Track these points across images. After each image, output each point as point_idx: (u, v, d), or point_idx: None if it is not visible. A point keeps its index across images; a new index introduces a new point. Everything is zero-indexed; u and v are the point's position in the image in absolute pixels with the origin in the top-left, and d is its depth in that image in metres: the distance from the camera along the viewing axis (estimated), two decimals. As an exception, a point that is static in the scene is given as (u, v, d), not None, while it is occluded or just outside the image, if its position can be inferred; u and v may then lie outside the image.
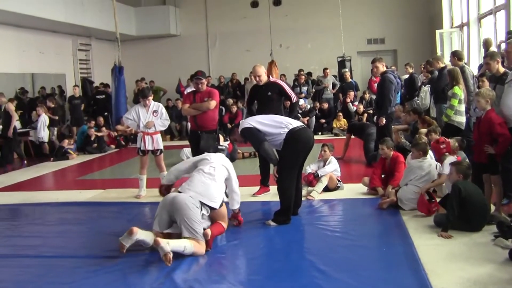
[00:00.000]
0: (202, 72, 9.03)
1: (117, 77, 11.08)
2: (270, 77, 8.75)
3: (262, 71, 8.44)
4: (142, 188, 9.23)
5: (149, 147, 9.14)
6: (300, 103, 18.19)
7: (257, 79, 8.53)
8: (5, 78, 17.81)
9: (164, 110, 9.28)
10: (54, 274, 5.69)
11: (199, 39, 23.74)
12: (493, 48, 10.99)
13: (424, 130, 9.79)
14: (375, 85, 15.39)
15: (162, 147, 9.29)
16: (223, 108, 17.52)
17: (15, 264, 6.10)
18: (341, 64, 19.85)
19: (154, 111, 9.13)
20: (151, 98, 9.19)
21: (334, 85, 19.28)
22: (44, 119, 16.08)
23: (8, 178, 12.25)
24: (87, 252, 6.32)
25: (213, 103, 8.65)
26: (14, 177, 12.41)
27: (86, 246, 6.56)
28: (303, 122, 17.62)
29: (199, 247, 5.82)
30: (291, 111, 8.69)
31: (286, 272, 5.37)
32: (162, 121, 9.18)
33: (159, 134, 9.32)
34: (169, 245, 5.50)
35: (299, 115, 17.90)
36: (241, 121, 7.16)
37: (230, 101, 18.61)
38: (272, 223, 7.01)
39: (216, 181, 6.38)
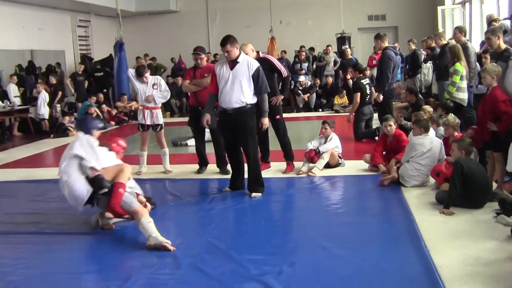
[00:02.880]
0: (201, 47, 8.97)
1: (118, 54, 11.01)
2: (260, 53, 8.67)
3: (249, 49, 8.33)
4: (143, 164, 9.22)
5: (148, 121, 9.09)
6: (300, 80, 18.15)
7: None
8: (4, 55, 17.75)
9: (163, 82, 9.20)
10: (55, 250, 5.71)
11: (199, 15, 23.56)
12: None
13: (428, 107, 9.75)
14: (373, 61, 15.37)
15: (162, 123, 9.22)
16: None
17: (16, 241, 6.13)
18: (341, 40, 19.73)
19: (154, 84, 9.07)
20: (147, 75, 9.12)
21: (335, 62, 19.18)
22: (44, 96, 16.07)
23: (8, 155, 12.26)
24: (87, 229, 6.35)
25: (213, 79, 8.60)
26: (14, 154, 12.40)
27: (86, 222, 6.56)
28: (304, 99, 17.67)
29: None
30: (283, 86, 8.65)
31: (287, 249, 5.40)
32: (162, 92, 9.09)
33: (159, 109, 9.26)
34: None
35: (300, 91, 17.86)
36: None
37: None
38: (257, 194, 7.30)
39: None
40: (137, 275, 4.90)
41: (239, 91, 7.12)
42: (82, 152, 6.06)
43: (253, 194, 7.24)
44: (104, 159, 6.24)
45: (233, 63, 7.19)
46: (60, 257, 5.52)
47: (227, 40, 7.18)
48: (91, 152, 6.10)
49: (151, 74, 9.26)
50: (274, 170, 8.66)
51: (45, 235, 6.21)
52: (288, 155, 8.66)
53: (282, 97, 8.52)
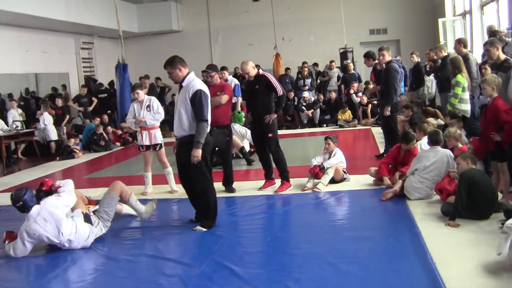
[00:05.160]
0: (212, 65, 9.01)
1: (121, 75, 11.05)
2: (260, 70, 8.69)
3: (249, 67, 8.39)
4: (148, 185, 9.23)
5: (146, 142, 9.12)
6: (304, 95, 18.18)
7: (246, 76, 8.55)
8: (9, 79, 17.86)
9: (156, 104, 9.18)
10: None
11: (201, 34, 23.71)
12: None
13: (431, 119, 9.79)
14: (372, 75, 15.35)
15: (161, 142, 9.22)
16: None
17: (17, 264, 6.19)
18: (343, 55, 19.79)
19: (147, 106, 9.10)
20: (139, 91, 9.15)
21: (338, 78, 19.22)
22: (47, 118, 16.15)
23: (14, 178, 12.30)
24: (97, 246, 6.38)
25: (225, 97, 8.61)
26: (21, 177, 12.44)
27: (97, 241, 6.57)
28: (308, 115, 17.70)
29: None
30: (277, 105, 8.52)
31: (294, 265, 5.39)
32: (154, 115, 9.05)
33: (158, 129, 9.26)
34: None
35: (304, 107, 17.89)
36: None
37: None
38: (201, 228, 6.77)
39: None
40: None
41: (180, 118, 6.57)
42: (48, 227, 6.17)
43: (196, 228, 6.76)
44: (61, 208, 6.31)
45: (180, 87, 6.71)
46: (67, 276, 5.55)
47: (167, 62, 6.72)
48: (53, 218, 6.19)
49: (155, 95, 9.28)
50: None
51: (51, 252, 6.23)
52: (282, 174, 8.59)
53: (276, 115, 8.47)
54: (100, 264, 5.98)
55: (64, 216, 6.20)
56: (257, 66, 8.64)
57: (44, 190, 6.56)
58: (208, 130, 6.60)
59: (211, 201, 6.76)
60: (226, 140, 8.58)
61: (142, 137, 9.15)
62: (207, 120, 6.53)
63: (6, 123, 15.87)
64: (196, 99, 6.42)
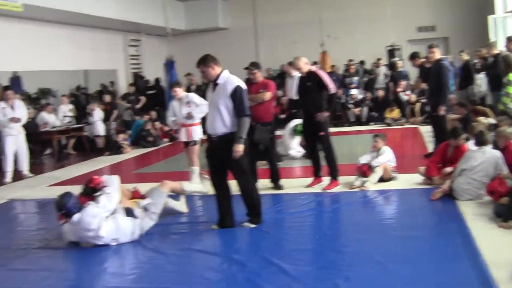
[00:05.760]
0: (254, 62, 9.02)
1: (169, 72, 11.18)
2: (313, 66, 8.65)
3: (301, 63, 8.38)
4: (194, 180, 9.27)
5: (183, 138, 9.24)
6: (351, 93, 18.09)
7: (298, 72, 8.54)
8: (59, 75, 18.19)
9: (196, 98, 9.25)
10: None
11: (247, 32, 23.73)
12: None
13: (482, 118, 9.63)
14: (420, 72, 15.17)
15: (196, 139, 9.30)
16: (274, 100, 17.53)
17: (66, 255, 6.41)
18: (390, 53, 19.61)
19: (187, 102, 9.20)
20: (177, 89, 9.32)
21: (386, 75, 19.05)
22: (98, 113, 16.47)
23: (65, 173, 12.57)
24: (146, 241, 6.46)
25: (268, 95, 8.63)
26: (71, 171, 12.69)
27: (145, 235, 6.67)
28: (355, 113, 17.59)
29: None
30: (329, 103, 8.44)
31: (342, 263, 5.37)
32: (200, 107, 9.10)
33: (198, 126, 9.35)
34: None
35: (351, 105, 17.80)
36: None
37: (280, 93, 18.57)
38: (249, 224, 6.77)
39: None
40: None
41: (220, 115, 6.47)
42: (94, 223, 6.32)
43: (244, 224, 6.75)
44: (107, 206, 6.46)
45: (214, 85, 6.63)
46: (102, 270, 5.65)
47: (200, 61, 6.65)
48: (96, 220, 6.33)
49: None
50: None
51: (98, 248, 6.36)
52: (332, 173, 8.55)
53: (328, 113, 8.40)
54: (149, 258, 6.04)
55: (102, 222, 6.31)
56: (315, 63, 8.58)
57: (91, 186, 6.70)
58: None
59: (255, 197, 6.74)
60: (270, 137, 8.61)
61: (181, 133, 9.31)
62: (249, 115, 6.54)
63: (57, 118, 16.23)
64: (237, 95, 6.41)
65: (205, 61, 6.57)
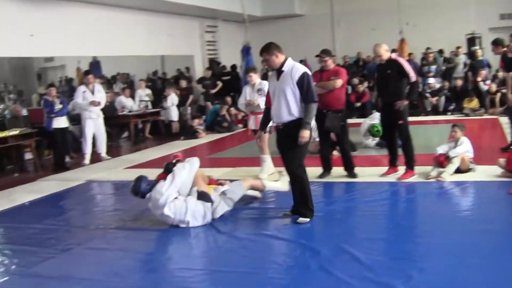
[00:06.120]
0: (325, 50, 8.92)
1: (245, 58, 11.23)
2: (393, 54, 8.50)
3: (382, 50, 8.25)
4: (264, 168, 9.27)
5: (252, 126, 9.25)
6: (429, 82, 17.74)
7: (378, 59, 8.42)
8: (136, 61, 18.59)
9: (267, 85, 9.27)
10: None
11: (323, 18, 23.55)
12: None
13: None
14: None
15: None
16: (349, 87, 17.43)
17: (138, 237, 6.56)
18: (471, 41, 19.09)
19: (258, 90, 9.19)
20: (253, 74, 9.28)
21: (465, 64, 18.59)
22: (173, 98, 16.74)
23: (141, 156, 12.88)
24: (219, 225, 6.55)
25: (339, 82, 8.55)
26: (147, 154, 12.98)
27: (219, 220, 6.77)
28: (432, 102, 17.24)
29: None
30: (410, 90, 8.25)
31: (417, 254, 5.29)
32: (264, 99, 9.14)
33: None
34: None
35: (428, 94, 17.46)
36: None
37: (356, 80, 18.42)
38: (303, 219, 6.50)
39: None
40: (266, 274, 5.00)
41: (286, 103, 6.37)
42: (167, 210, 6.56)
43: (299, 220, 6.50)
44: (177, 185, 6.69)
45: (278, 73, 6.52)
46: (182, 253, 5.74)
47: (263, 49, 6.61)
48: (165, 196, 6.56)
49: None
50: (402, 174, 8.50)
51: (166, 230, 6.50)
52: (408, 163, 8.41)
53: (407, 102, 8.22)
54: (222, 242, 6.15)
55: (168, 201, 6.51)
56: (393, 50, 8.45)
57: (169, 162, 6.96)
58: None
59: (307, 189, 6.51)
60: (341, 125, 8.55)
61: (250, 121, 9.33)
62: (317, 101, 6.48)
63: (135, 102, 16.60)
64: (304, 81, 6.31)
65: (268, 49, 6.49)
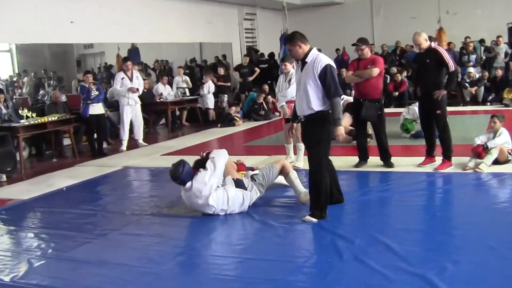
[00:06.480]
0: (362, 38, 8.85)
1: (283, 46, 11.21)
2: (433, 43, 8.39)
3: (422, 39, 8.14)
4: (300, 156, 9.21)
5: (286, 116, 9.21)
6: (469, 71, 17.50)
7: (417, 47, 8.34)
8: (176, 48, 18.69)
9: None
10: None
11: (363, 6, 23.36)
12: None
13: None
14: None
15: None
16: (388, 77, 17.30)
17: (174, 224, 6.64)
18: (512, 31, 18.78)
19: (289, 80, 9.11)
20: (287, 63, 9.17)
21: (506, 54, 18.27)
22: (209, 86, 16.79)
23: (178, 143, 13.00)
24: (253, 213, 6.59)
25: (375, 71, 8.47)
26: (184, 141, 13.08)
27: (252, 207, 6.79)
28: (471, 92, 16.99)
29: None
30: (448, 80, 8.14)
31: (452, 246, 5.25)
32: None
33: None
34: None
35: (467, 84, 17.22)
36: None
37: (394, 69, 18.26)
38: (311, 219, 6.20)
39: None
40: (301, 263, 5.01)
41: (306, 96, 6.13)
42: (211, 200, 6.54)
43: (305, 218, 6.22)
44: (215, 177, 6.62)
45: (302, 64, 6.25)
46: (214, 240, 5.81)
47: (286, 38, 6.39)
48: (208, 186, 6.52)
49: None
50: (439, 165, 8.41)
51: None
52: (445, 153, 8.31)
53: (445, 92, 8.12)
54: (257, 230, 6.18)
55: (212, 191, 6.47)
56: (430, 38, 8.35)
57: (201, 161, 6.81)
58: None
59: (322, 188, 6.17)
60: (378, 114, 8.48)
61: (283, 109, 9.32)
62: (341, 95, 6.27)
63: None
64: (327, 74, 6.00)
65: (292, 40, 6.26)
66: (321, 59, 6.12)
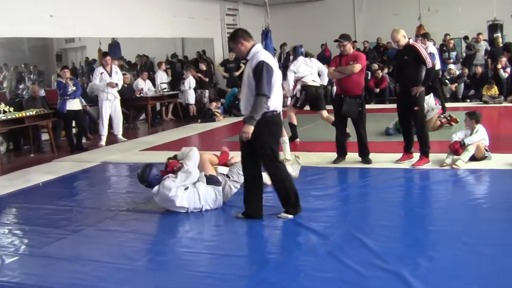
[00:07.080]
0: (344, 35, 8.83)
1: (264, 41, 11.19)
2: (411, 40, 8.41)
3: (400, 36, 8.16)
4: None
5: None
6: (449, 68, 17.59)
7: (395, 44, 8.37)
8: (157, 43, 18.60)
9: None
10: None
11: (345, 3, 23.32)
12: None
13: None
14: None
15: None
16: (369, 73, 17.35)
17: (151, 219, 6.62)
18: (492, 28, 18.84)
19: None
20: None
21: (486, 51, 18.38)
22: (190, 81, 16.73)
23: (158, 138, 12.93)
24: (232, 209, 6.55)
25: (357, 67, 8.48)
26: (164, 137, 13.04)
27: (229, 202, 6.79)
28: (451, 89, 17.07)
29: None
30: (425, 77, 8.16)
31: (427, 242, 5.27)
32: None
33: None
34: None
35: (447, 81, 17.29)
36: None
37: (375, 66, 18.30)
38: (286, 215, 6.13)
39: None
40: (275, 259, 5.03)
41: (245, 96, 5.90)
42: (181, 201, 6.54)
43: (281, 214, 6.13)
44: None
45: (246, 62, 6.01)
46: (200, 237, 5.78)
47: (229, 37, 6.16)
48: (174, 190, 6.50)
49: None
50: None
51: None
52: (423, 149, 8.33)
53: (423, 88, 8.14)
54: (231, 226, 6.16)
55: (178, 193, 6.46)
56: (417, 36, 8.36)
57: (168, 170, 6.80)
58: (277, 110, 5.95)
59: (287, 186, 6.06)
60: (359, 110, 8.49)
61: None
62: (266, 95, 5.70)
63: (154, 84, 16.59)
64: (257, 70, 5.69)
65: (234, 38, 5.99)
66: (258, 56, 5.83)
